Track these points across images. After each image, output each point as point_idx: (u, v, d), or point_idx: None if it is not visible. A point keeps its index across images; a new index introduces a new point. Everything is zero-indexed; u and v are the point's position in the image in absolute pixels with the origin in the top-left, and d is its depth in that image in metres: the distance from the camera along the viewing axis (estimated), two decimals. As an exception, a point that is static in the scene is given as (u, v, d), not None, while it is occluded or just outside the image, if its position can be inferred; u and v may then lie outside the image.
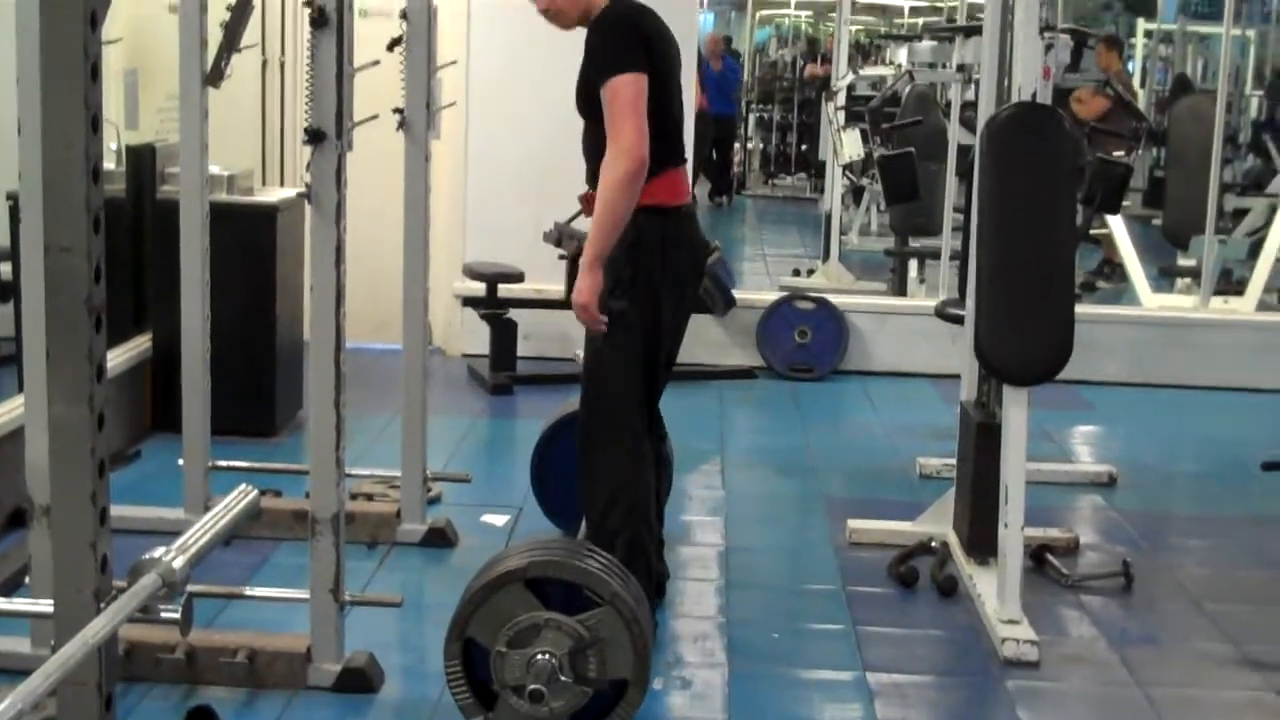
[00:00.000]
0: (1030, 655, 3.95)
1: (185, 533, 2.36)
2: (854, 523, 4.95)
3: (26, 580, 3.57)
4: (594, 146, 3.78)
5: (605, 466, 3.86)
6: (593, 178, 3.81)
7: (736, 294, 7.61)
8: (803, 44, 19.75)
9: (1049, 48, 5.38)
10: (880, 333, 7.65)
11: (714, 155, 14.92)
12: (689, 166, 4.01)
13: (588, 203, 3.81)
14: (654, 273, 3.79)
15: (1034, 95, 4.21)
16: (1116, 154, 7.36)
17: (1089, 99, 9.61)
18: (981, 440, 4.50)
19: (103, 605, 2.19)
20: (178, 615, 2.22)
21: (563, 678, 3.22)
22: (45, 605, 2.28)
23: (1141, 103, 12.02)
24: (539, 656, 3.22)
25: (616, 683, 3.28)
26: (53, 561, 2.23)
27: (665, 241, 3.81)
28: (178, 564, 2.23)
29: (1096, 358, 6.99)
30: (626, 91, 3.62)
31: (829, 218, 9.97)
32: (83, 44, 2.03)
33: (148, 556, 2.23)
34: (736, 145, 16.25)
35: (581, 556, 3.34)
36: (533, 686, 3.20)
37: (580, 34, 3.85)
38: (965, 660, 4.05)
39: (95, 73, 2.05)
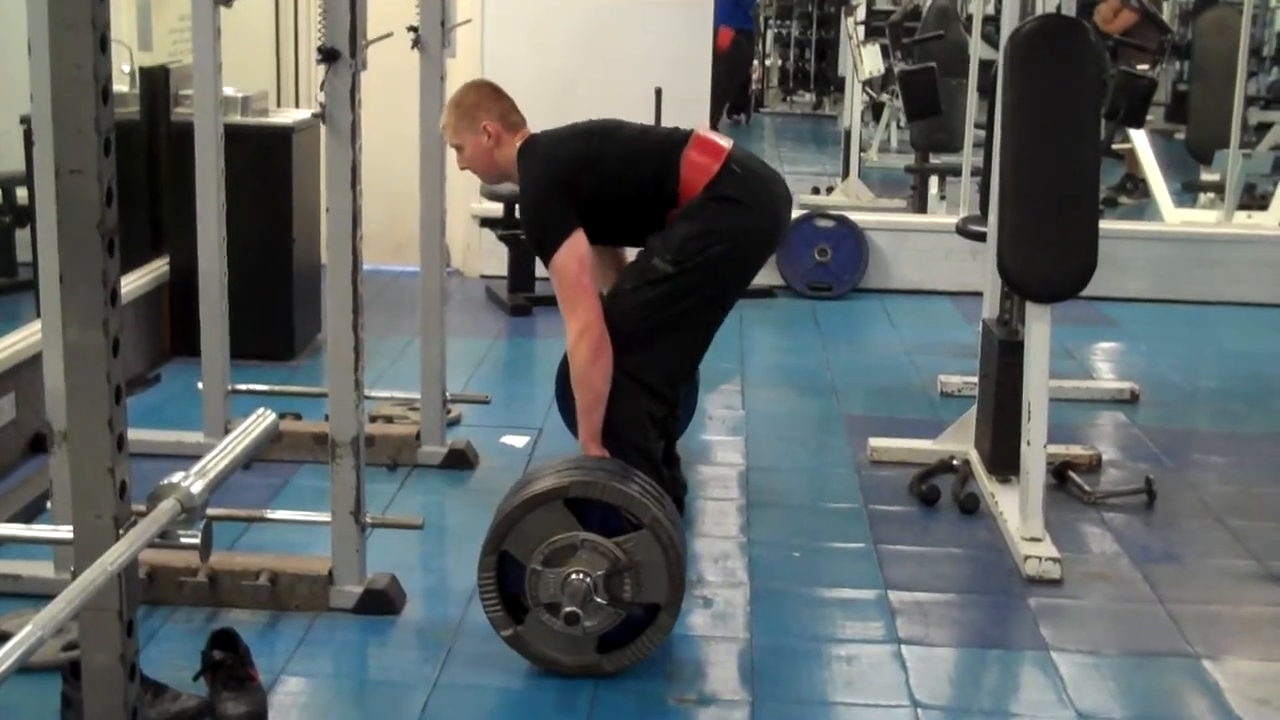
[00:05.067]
0: (1052, 573, 3.94)
1: (204, 457, 2.35)
2: (875, 441, 4.93)
3: (49, 506, 3.59)
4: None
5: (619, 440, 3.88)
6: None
7: (755, 212, 7.54)
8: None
9: (1073, -42, 5.30)
10: (900, 250, 7.60)
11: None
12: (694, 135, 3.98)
13: None
14: (710, 232, 3.82)
15: (1058, 7, 4.14)
16: (1140, 67, 7.27)
17: (1115, 13, 9.48)
18: (1004, 357, 4.47)
19: (122, 531, 2.18)
20: (197, 540, 2.21)
21: (597, 599, 3.22)
22: (65, 531, 2.28)
23: (1165, 15, 11.82)
24: (574, 576, 3.22)
25: (649, 606, 3.28)
26: (71, 486, 2.23)
27: (726, 202, 3.84)
28: (196, 489, 2.21)
29: (1119, 274, 6.93)
30: (569, 269, 3.78)
31: (848, 134, 9.88)
32: (89, -38, 1.99)
33: (166, 481, 2.21)
34: (754, 62, 16.08)
35: (622, 478, 3.33)
36: (568, 609, 3.20)
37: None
38: (987, 578, 4.04)
39: (102, -10, 2.02)
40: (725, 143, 3.94)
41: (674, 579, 3.27)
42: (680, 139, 3.92)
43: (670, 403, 4.01)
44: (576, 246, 3.79)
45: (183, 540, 2.20)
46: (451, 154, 4.86)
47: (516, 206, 6.78)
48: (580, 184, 3.84)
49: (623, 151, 3.94)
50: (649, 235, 3.90)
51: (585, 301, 3.77)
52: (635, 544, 3.24)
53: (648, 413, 3.89)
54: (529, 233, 3.93)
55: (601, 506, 3.27)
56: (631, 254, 4.11)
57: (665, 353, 3.90)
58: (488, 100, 4.04)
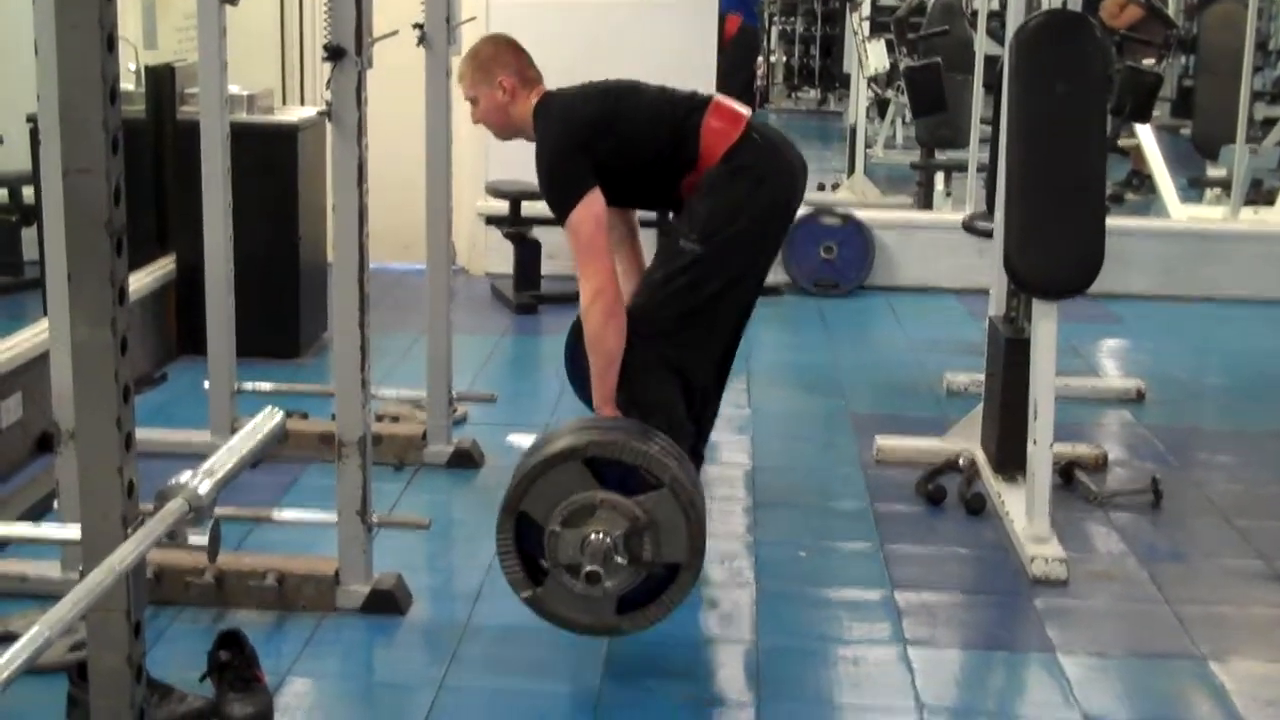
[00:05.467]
0: (1059, 573, 3.93)
1: (211, 456, 2.35)
2: (881, 440, 4.92)
3: (56, 505, 3.58)
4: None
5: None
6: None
7: (761, 210, 7.54)
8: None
9: (1079, -46, 5.29)
10: (906, 247, 7.59)
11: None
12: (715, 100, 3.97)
13: None
14: (733, 209, 3.76)
15: (1064, 2, 4.13)
16: (1146, 62, 7.26)
17: (1120, 8, 9.46)
18: (1010, 355, 4.46)
19: (130, 531, 2.18)
20: (205, 540, 2.21)
21: (617, 558, 3.19)
22: (73, 530, 2.28)
23: (1171, 9, 11.81)
24: (593, 536, 3.18)
25: (669, 566, 3.26)
26: (79, 486, 2.23)
27: (746, 175, 3.78)
28: (204, 489, 2.21)
29: (1125, 270, 6.91)
30: (585, 229, 3.71)
31: (854, 131, 9.87)
32: (96, -38, 1.99)
33: (174, 481, 2.22)
34: (759, 59, 16.07)
35: (641, 437, 3.31)
36: (590, 568, 3.17)
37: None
38: (994, 578, 4.04)
39: (110, -9, 2.02)
40: (745, 110, 3.92)
41: (694, 538, 3.23)
42: (700, 103, 3.88)
43: (705, 393, 3.97)
44: (593, 206, 3.72)
45: (191, 540, 2.20)
46: (458, 152, 4.88)
47: (528, 197, 6.80)
48: (598, 144, 3.78)
49: (642, 113, 3.88)
50: (670, 212, 3.86)
51: (599, 263, 3.71)
52: (655, 503, 3.20)
53: (684, 402, 3.84)
54: (545, 191, 3.84)
55: (620, 466, 3.23)
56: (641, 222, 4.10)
57: (702, 339, 3.85)
58: (505, 54, 3.98)
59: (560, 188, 3.78)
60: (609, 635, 3.31)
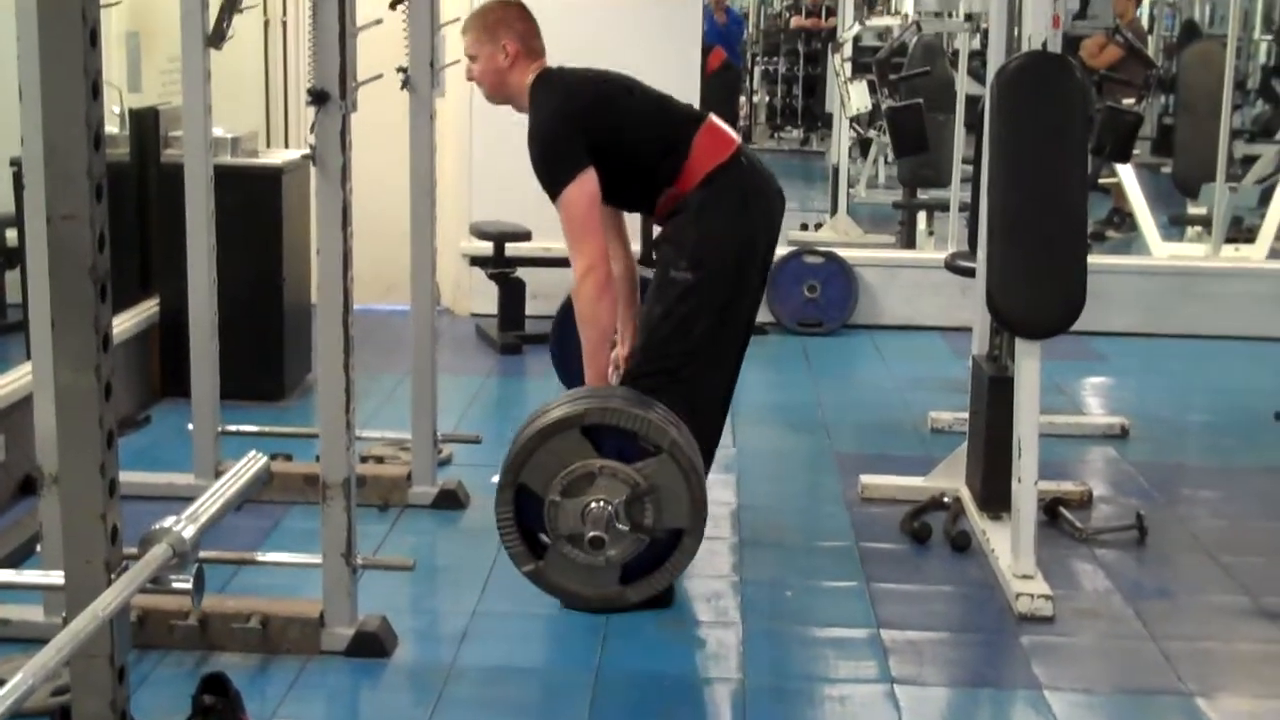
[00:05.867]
0: (1045, 610, 3.94)
1: (195, 500, 2.35)
2: (866, 478, 4.93)
3: (38, 549, 3.57)
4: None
5: None
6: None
7: (744, 249, 7.56)
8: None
9: (1058, -4, 5.32)
10: (890, 286, 7.62)
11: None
12: (710, 119, 3.97)
13: None
14: (722, 235, 3.76)
15: (1044, 44, 4.16)
16: (1126, 102, 7.31)
17: (1100, 48, 9.54)
18: (994, 394, 4.48)
19: (113, 576, 2.17)
20: (189, 585, 2.20)
21: (619, 525, 3.16)
22: (57, 577, 2.27)
23: (1150, 49, 11.91)
24: (594, 505, 3.16)
25: (671, 532, 3.23)
26: (62, 532, 2.22)
27: (732, 198, 3.79)
28: (188, 533, 2.21)
29: (1107, 308, 6.93)
30: (578, 207, 3.72)
31: (836, 170, 9.92)
32: (81, 9, 1.99)
33: (158, 526, 2.21)
34: (742, 99, 16.14)
35: (639, 404, 3.29)
36: (593, 533, 3.15)
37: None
38: (980, 616, 4.04)
39: (94, 38, 2.02)
40: (736, 136, 3.94)
41: (695, 502, 3.21)
42: (697, 118, 3.89)
43: (714, 428, 3.97)
44: (586, 184, 3.73)
45: (175, 585, 2.19)
46: (442, 194, 4.89)
47: (512, 238, 6.82)
48: (594, 127, 3.79)
49: (639, 109, 3.88)
50: (642, 214, 3.85)
51: (592, 241, 3.71)
52: (654, 469, 3.19)
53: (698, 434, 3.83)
54: (538, 166, 3.83)
55: (618, 433, 3.21)
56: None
57: (707, 373, 3.85)
58: (514, 19, 3.99)
59: (554, 164, 3.77)
60: (613, 607, 3.26)
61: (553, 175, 3.77)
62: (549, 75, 3.91)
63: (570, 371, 4.62)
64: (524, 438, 3.23)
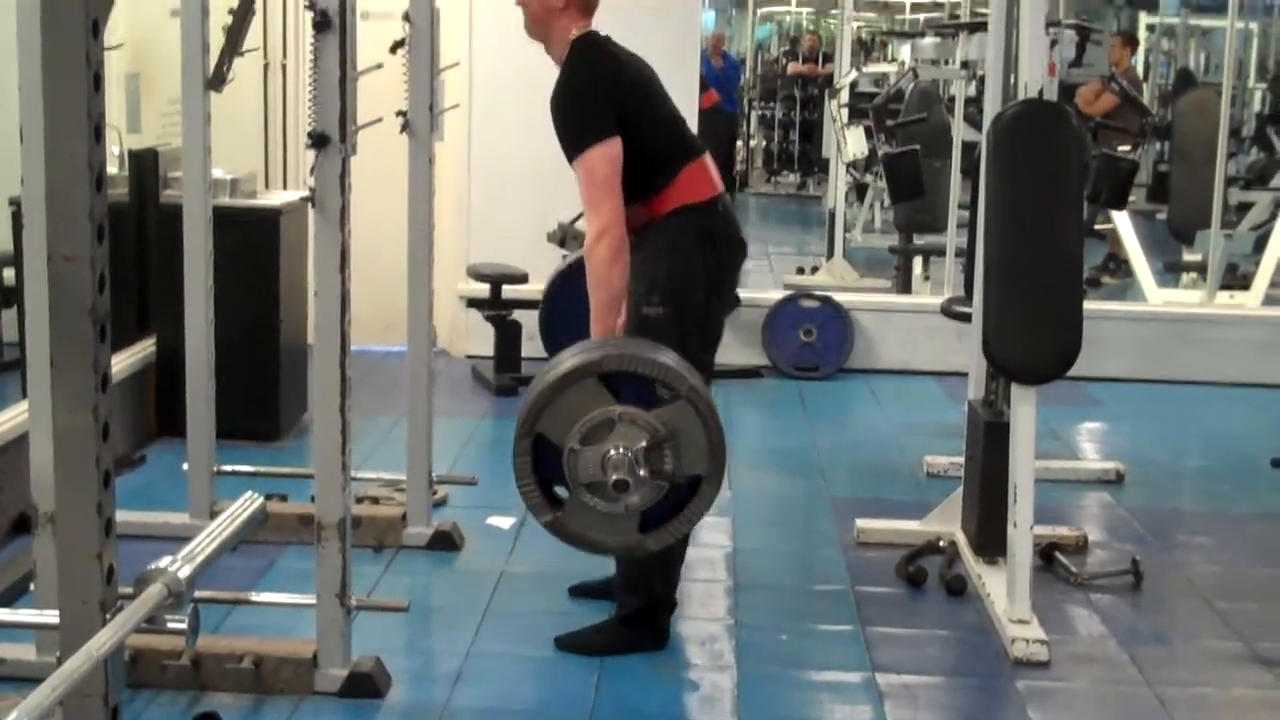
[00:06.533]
0: (1040, 655, 3.93)
1: (191, 541, 2.35)
2: (862, 522, 4.93)
3: (32, 587, 3.56)
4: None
5: None
6: None
7: (741, 293, 7.53)
8: (786, 42, 19.75)
9: (1054, 44, 5.35)
10: (886, 330, 7.63)
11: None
12: (706, 157, 3.99)
13: None
14: (689, 274, 3.77)
15: (1040, 92, 4.19)
16: (1122, 149, 7.33)
17: (1096, 96, 9.59)
18: (990, 439, 4.48)
19: (108, 616, 2.17)
20: (184, 625, 2.20)
21: (639, 471, 3.15)
22: (51, 615, 2.26)
23: (1145, 97, 11.96)
24: (613, 452, 3.15)
25: (690, 479, 3.22)
26: (58, 571, 2.22)
27: (702, 237, 3.80)
28: (184, 574, 2.20)
29: (1102, 354, 6.95)
30: (600, 168, 3.68)
31: (833, 215, 9.96)
32: (84, 52, 2.01)
33: (153, 566, 2.21)
34: (739, 143, 16.22)
35: (654, 350, 3.28)
36: (616, 477, 3.13)
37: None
38: (975, 660, 4.03)
39: (98, 81, 2.03)
40: (719, 183, 3.95)
41: (714, 448, 3.19)
42: (697, 150, 3.91)
43: None
44: (612, 149, 3.69)
45: (170, 625, 2.19)
46: (439, 236, 4.92)
47: (508, 280, 6.83)
48: (625, 106, 3.76)
49: (662, 113, 3.87)
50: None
51: (610, 203, 3.67)
52: (673, 415, 3.17)
53: None
54: (565, 120, 3.78)
55: (635, 380, 3.19)
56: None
57: None
58: None
59: (581, 123, 3.74)
60: (633, 554, 3.25)
61: (579, 133, 3.73)
62: (596, 38, 3.89)
63: (560, 345, 4.57)
64: (541, 387, 3.21)
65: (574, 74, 3.82)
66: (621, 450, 3.15)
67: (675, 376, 3.19)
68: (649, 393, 3.20)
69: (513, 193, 7.26)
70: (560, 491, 3.27)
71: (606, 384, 3.20)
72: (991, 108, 4.72)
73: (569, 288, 4.48)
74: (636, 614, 3.95)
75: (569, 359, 3.28)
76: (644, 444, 3.16)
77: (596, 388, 3.19)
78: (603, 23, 3.92)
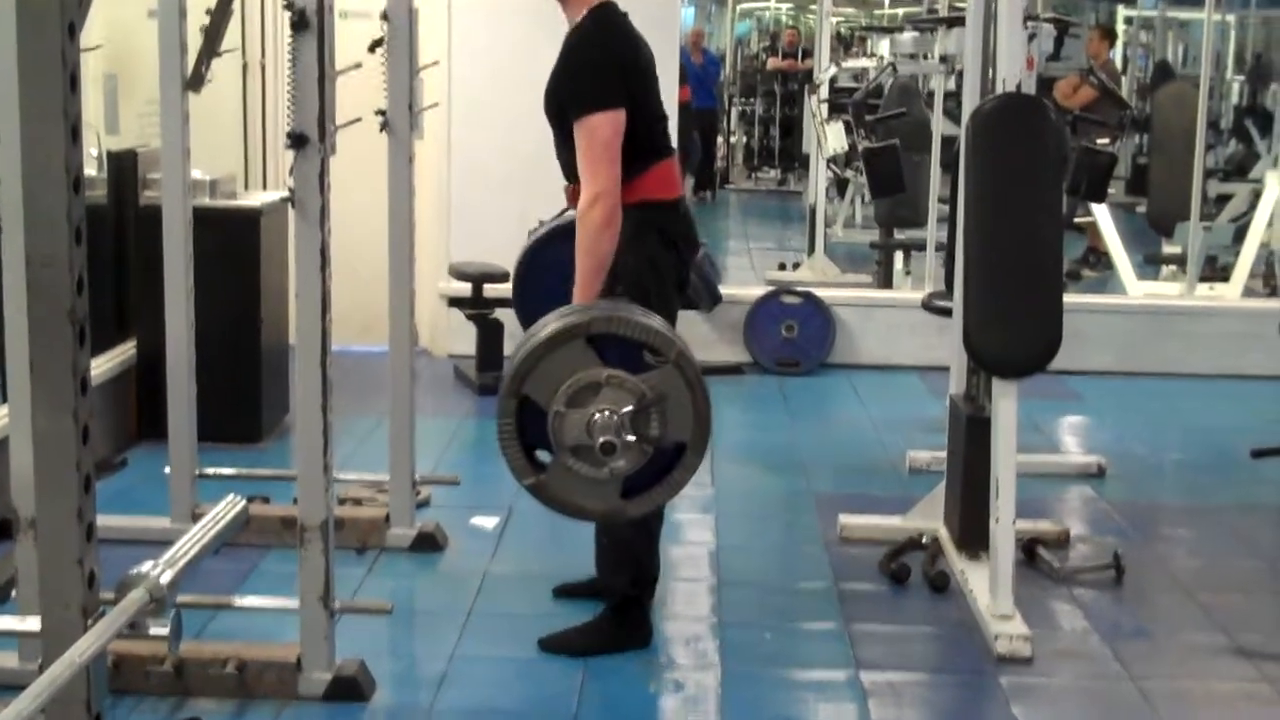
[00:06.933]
0: (1023, 650, 3.94)
1: (173, 545, 2.33)
2: (845, 518, 4.93)
3: (14, 594, 3.54)
4: (564, 147, 3.81)
5: None
6: (570, 174, 3.83)
7: (722, 289, 7.59)
8: (765, 38, 19.78)
9: (1032, 38, 5.37)
10: (867, 326, 7.64)
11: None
12: (676, 158, 4.00)
13: (573, 196, 3.81)
14: (653, 266, 3.77)
15: (1018, 86, 4.20)
16: (1101, 142, 7.35)
17: (1074, 89, 9.61)
18: (971, 434, 4.49)
19: (90, 622, 2.16)
20: (167, 630, 2.19)
21: (625, 436, 3.13)
22: (32, 622, 2.25)
23: (1123, 90, 12.01)
24: (599, 415, 3.13)
25: (675, 446, 3.21)
26: (39, 577, 2.21)
27: (664, 235, 3.79)
28: (166, 579, 2.20)
29: (1083, 347, 6.97)
30: (603, 133, 3.65)
31: (813, 211, 9.96)
32: (61, 53, 2.00)
33: (135, 571, 2.20)
34: (719, 139, 16.22)
35: (643, 313, 3.26)
36: (603, 439, 3.12)
37: (560, 32, 3.84)
38: (959, 657, 4.04)
39: (74, 82, 2.02)
40: (682, 185, 3.94)
41: (700, 415, 3.18)
42: (670, 149, 3.91)
43: None
44: (618, 119, 3.66)
45: (152, 631, 2.18)
46: (420, 235, 4.90)
47: (490, 279, 6.81)
48: (630, 86, 3.74)
49: (654, 103, 3.86)
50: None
51: (609, 170, 3.64)
52: (661, 379, 3.15)
53: None
54: (573, 79, 3.73)
55: (621, 344, 3.18)
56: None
57: None
58: None
59: (592, 87, 3.70)
60: (614, 520, 3.24)
61: (587, 95, 3.69)
62: (617, 12, 3.86)
63: (533, 310, 4.53)
64: (527, 348, 3.18)
65: (592, 39, 3.79)
66: (608, 413, 3.13)
67: (664, 341, 3.17)
68: (635, 358, 3.18)
69: (493, 191, 7.25)
70: (543, 457, 3.26)
71: (594, 347, 3.18)
72: (970, 102, 4.73)
73: (541, 259, 4.45)
74: (625, 601, 3.95)
75: (556, 321, 3.25)
76: (630, 408, 3.14)
77: (584, 349, 3.17)
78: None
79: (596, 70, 3.74)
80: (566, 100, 3.73)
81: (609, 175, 3.64)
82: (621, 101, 3.68)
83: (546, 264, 4.40)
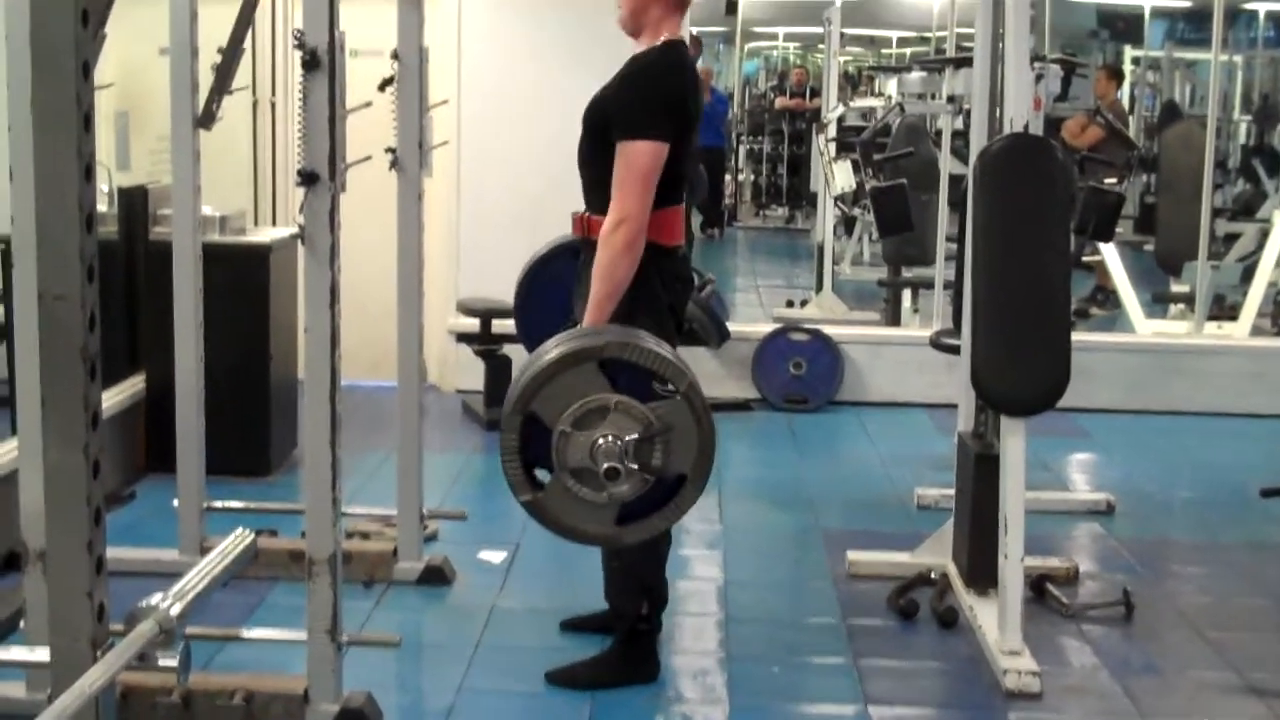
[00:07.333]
0: (1032, 686, 3.93)
1: (182, 577, 2.34)
2: (853, 554, 4.93)
3: (22, 625, 3.55)
4: (592, 163, 3.82)
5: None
6: (589, 193, 3.85)
7: (731, 326, 7.61)
8: (773, 77, 19.84)
9: (1039, 78, 5.40)
10: (875, 363, 7.65)
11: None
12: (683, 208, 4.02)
13: (579, 224, 3.83)
14: (656, 302, 3.78)
15: (1026, 126, 4.22)
16: (1108, 181, 7.38)
17: (1082, 129, 9.64)
18: (980, 471, 4.49)
19: (100, 654, 2.17)
20: (175, 662, 2.20)
21: (627, 463, 3.13)
22: (41, 653, 2.26)
23: (1131, 129, 12.03)
24: (603, 440, 3.12)
25: (675, 478, 3.19)
26: (48, 609, 2.21)
27: (665, 275, 3.81)
28: (175, 610, 2.20)
29: (1091, 385, 6.97)
30: (644, 161, 3.65)
31: (821, 248, 9.99)
32: (75, 93, 2.02)
33: (144, 603, 2.20)
34: (727, 178, 16.26)
35: (655, 342, 3.26)
36: (607, 465, 3.11)
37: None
38: (967, 692, 4.03)
39: (88, 122, 2.04)
40: (682, 240, 3.96)
41: (704, 450, 3.16)
42: (680, 198, 3.92)
43: None
44: (660, 153, 3.66)
45: (161, 663, 2.19)
46: (429, 271, 4.92)
47: (498, 315, 6.83)
48: (678, 126, 3.75)
49: (686, 150, 3.85)
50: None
51: (641, 199, 3.64)
52: (669, 409, 3.14)
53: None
54: (629, 101, 3.74)
55: (632, 371, 3.17)
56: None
57: None
58: None
59: (645, 114, 3.70)
60: (608, 546, 3.23)
61: (639, 120, 3.69)
62: (682, 50, 3.88)
63: (535, 338, 4.53)
64: (537, 367, 3.18)
65: (661, 69, 3.80)
66: (612, 439, 3.13)
67: (676, 372, 3.18)
68: (644, 386, 3.18)
69: (502, 228, 7.27)
70: (543, 476, 3.26)
71: (605, 372, 3.18)
72: (978, 142, 4.75)
73: (545, 273, 4.47)
74: (634, 631, 3.96)
75: (569, 342, 3.25)
76: (636, 435, 3.14)
77: (595, 373, 3.17)
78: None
79: (657, 100, 3.74)
80: (616, 117, 3.73)
81: (640, 204, 3.65)
82: (669, 138, 3.69)
83: (550, 277, 4.41)
